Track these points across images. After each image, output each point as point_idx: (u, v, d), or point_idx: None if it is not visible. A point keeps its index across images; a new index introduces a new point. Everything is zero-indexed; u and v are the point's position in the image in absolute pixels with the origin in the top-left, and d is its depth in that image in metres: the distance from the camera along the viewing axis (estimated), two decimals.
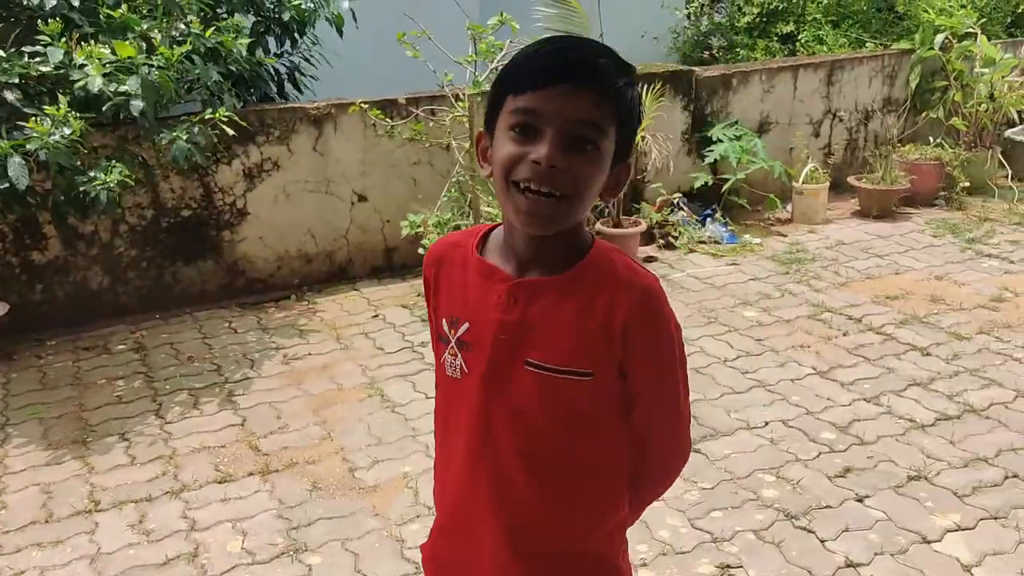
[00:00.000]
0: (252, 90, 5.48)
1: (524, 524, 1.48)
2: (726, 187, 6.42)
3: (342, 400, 4.18)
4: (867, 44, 7.84)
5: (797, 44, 8.07)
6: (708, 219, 6.41)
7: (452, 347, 1.46)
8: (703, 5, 9.03)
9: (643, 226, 5.98)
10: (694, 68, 6.86)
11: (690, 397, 1.56)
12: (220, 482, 3.54)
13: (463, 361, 1.45)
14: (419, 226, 5.23)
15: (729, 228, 6.37)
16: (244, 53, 4.73)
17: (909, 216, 6.81)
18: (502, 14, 4.84)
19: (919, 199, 6.99)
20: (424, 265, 1.56)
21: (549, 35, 1.42)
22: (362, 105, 5.21)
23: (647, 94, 5.86)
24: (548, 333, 1.40)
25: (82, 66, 3.99)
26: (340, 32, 5.64)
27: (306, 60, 5.90)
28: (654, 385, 1.49)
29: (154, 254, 5.14)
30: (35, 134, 3.81)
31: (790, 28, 8.22)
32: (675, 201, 6.32)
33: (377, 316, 5.15)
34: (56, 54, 3.99)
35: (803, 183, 6.65)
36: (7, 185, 3.75)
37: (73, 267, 4.96)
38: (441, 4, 5.69)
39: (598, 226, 5.91)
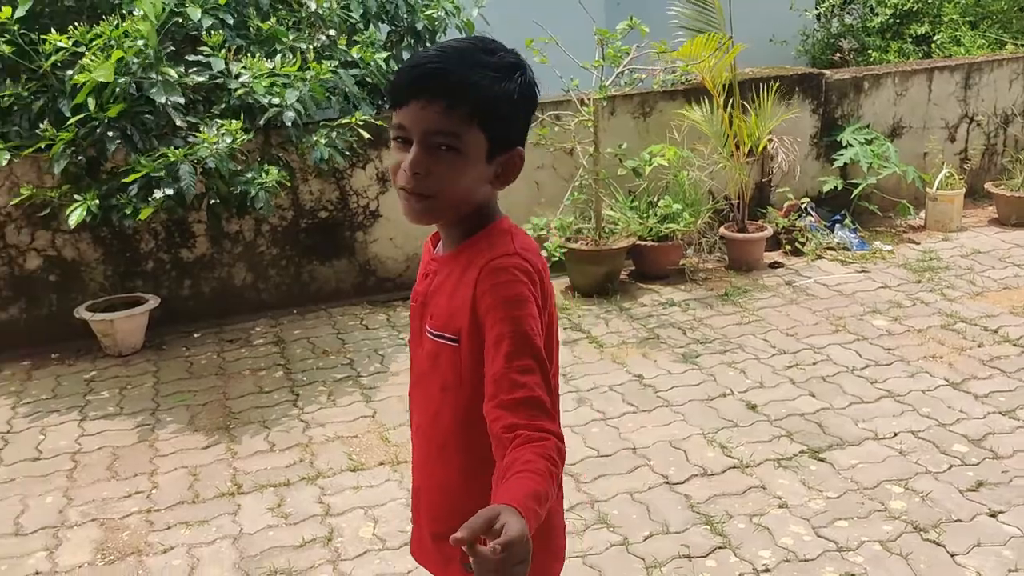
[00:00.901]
0: (385, 99, 5.68)
1: (424, 485, 1.72)
2: (856, 192, 6.28)
3: None
4: (1008, 45, 7.51)
5: (932, 46, 7.80)
6: (837, 225, 6.28)
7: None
8: (833, 6, 8.83)
9: (769, 231, 5.92)
10: (824, 71, 6.73)
11: (559, 371, 1.64)
12: (353, 470, 3.71)
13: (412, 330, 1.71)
14: (542, 229, 5.32)
15: (859, 234, 6.23)
16: (381, 65, 4.92)
17: None
18: (631, 19, 4.89)
19: None
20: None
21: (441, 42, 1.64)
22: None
23: (772, 96, 5.79)
24: (439, 300, 1.57)
25: (238, 76, 4.25)
26: None
27: None
28: (499, 335, 1.49)
29: (293, 253, 5.41)
30: (203, 143, 4.07)
31: (925, 29, 7.95)
32: (803, 206, 6.22)
33: None
34: (218, 64, 4.27)
35: (937, 189, 6.44)
36: (176, 190, 4.01)
37: (219, 264, 5.27)
38: (567, 11, 5.77)
39: (722, 231, 5.88)
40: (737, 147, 5.79)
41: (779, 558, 3.03)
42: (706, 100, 5.84)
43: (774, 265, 5.88)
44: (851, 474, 3.51)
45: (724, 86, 5.68)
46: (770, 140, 5.86)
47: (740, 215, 5.88)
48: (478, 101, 1.42)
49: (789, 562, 3.01)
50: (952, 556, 3.01)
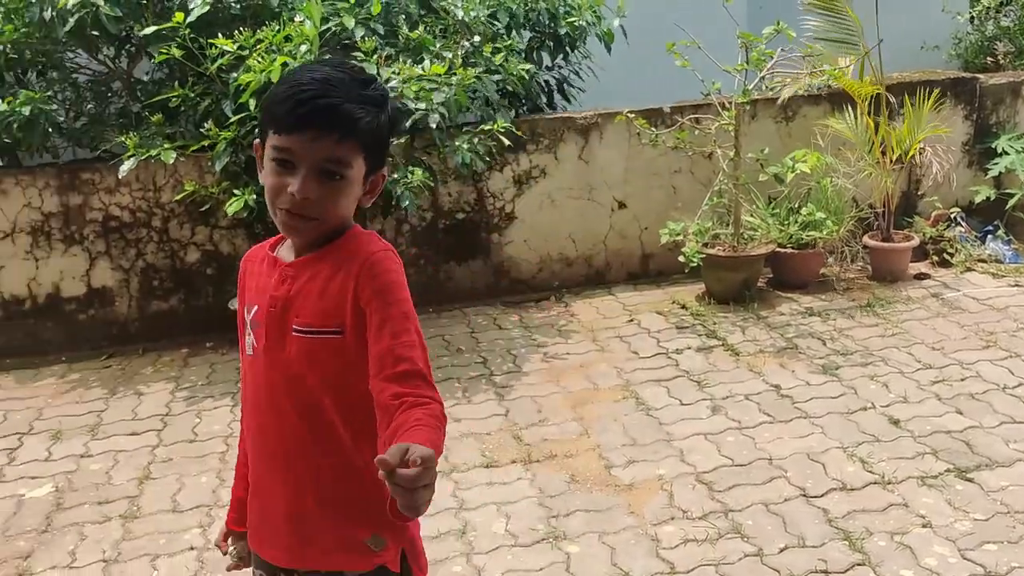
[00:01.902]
0: (524, 101, 5.77)
1: (306, 478, 1.70)
2: (1012, 202, 5.98)
3: (598, 399, 4.33)
4: None
5: None
6: (989, 236, 6.00)
7: (248, 328, 1.74)
8: (989, 8, 8.40)
9: (915, 241, 5.70)
10: (978, 75, 6.43)
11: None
12: (486, 467, 3.79)
13: (253, 339, 1.72)
14: (678, 234, 5.29)
15: (1013, 246, 5.93)
16: (523, 76, 5.02)
17: None
18: (778, 23, 4.81)
19: None
20: (239, 271, 1.84)
21: (309, 67, 1.62)
22: (628, 115, 5.35)
23: (926, 102, 5.58)
24: (307, 301, 1.64)
25: (388, 81, 4.41)
26: (609, 49, 5.81)
27: (575, 73, 6.12)
28: (382, 318, 1.61)
29: (431, 253, 5.56)
30: None
31: None
32: (952, 216, 5.97)
33: (632, 321, 5.26)
34: (370, 68, 4.44)
35: None
36: None
37: None
38: (709, 14, 5.71)
39: (866, 239, 5.70)
40: (883, 154, 5.60)
41: None
42: (850, 106, 5.68)
43: (920, 276, 5.66)
44: (1001, 496, 3.36)
45: (868, 95, 5.51)
46: (921, 149, 5.64)
47: (885, 224, 5.69)
48: (363, 133, 1.56)
49: None
50: None
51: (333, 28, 4.56)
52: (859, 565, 3.01)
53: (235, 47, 4.33)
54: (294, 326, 1.65)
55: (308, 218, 1.60)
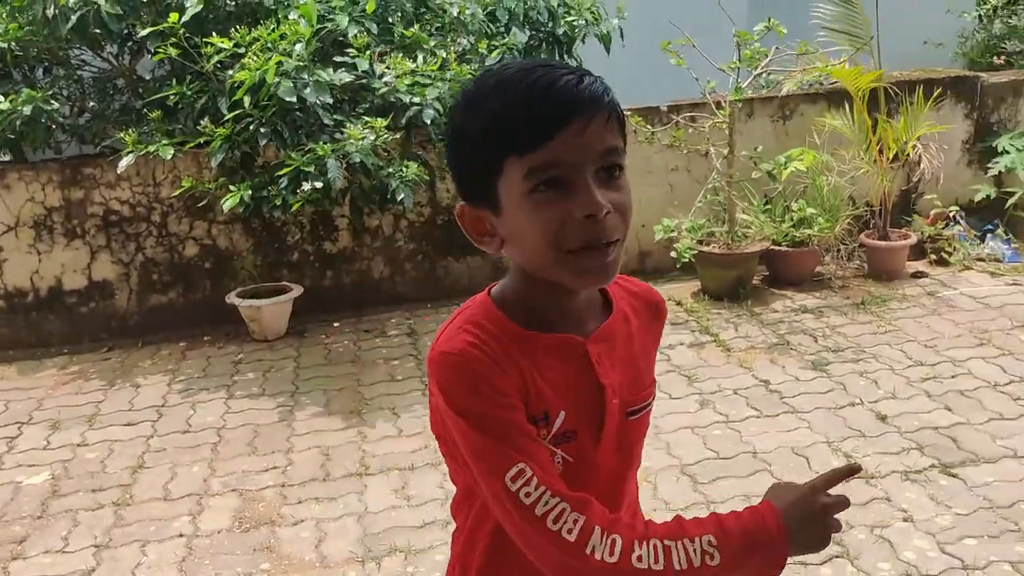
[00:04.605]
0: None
1: None
2: (1011, 201, 5.97)
3: None
4: None
5: None
6: (988, 235, 5.98)
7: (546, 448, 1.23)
8: (996, 8, 8.38)
9: (912, 240, 5.70)
10: (979, 74, 6.42)
11: None
12: None
13: (564, 455, 1.24)
14: (672, 230, 5.32)
15: (1012, 245, 5.91)
16: None
17: None
18: (770, 20, 4.82)
19: None
20: (474, 377, 1.17)
21: (491, 76, 1.17)
22: (626, 113, 5.37)
23: (923, 101, 5.58)
24: (628, 374, 1.30)
25: (381, 76, 4.46)
26: (608, 49, 5.82)
27: None
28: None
29: (429, 248, 5.61)
30: (349, 139, 4.30)
31: None
32: (951, 214, 5.96)
33: None
34: (363, 64, 4.49)
35: None
36: (323, 183, 4.25)
37: (359, 257, 5.52)
38: (707, 11, 5.73)
39: (862, 238, 5.71)
40: (881, 152, 5.60)
41: (899, 571, 2.94)
42: (848, 104, 5.68)
43: (917, 275, 5.66)
44: (984, 492, 3.36)
45: (866, 91, 5.51)
46: (913, 146, 5.64)
47: (882, 222, 5.69)
48: (618, 111, 1.17)
49: None
50: None
51: (328, 27, 4.61)
52: (837, 557, 3.03)
53: (231, 45, 4.38)
54: (627, 409, 1.30)
55: (613, 245, 1.16)
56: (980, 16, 8.45)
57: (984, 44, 8.39)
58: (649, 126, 5.42)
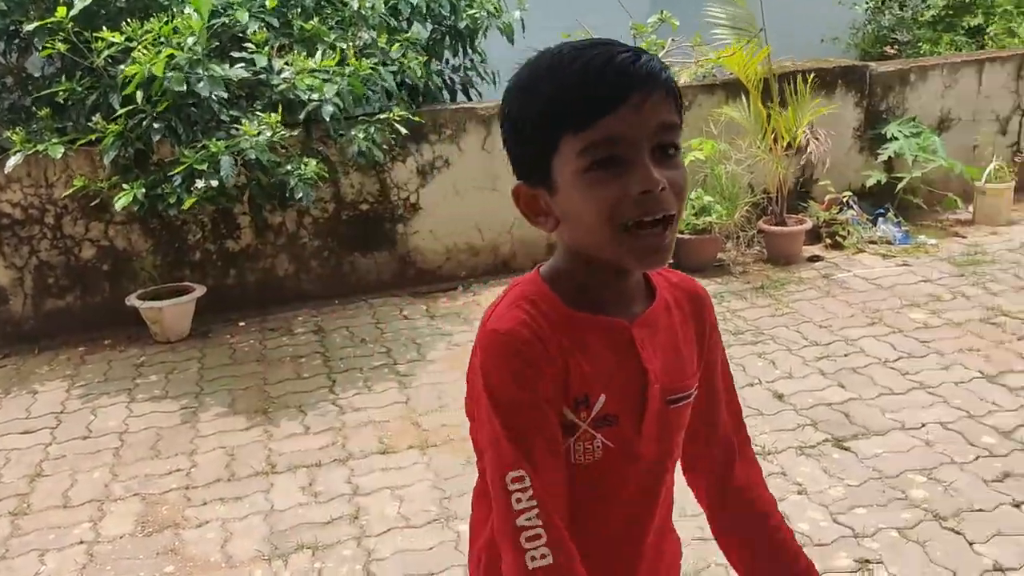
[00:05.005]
0: (425, 98, 5.77)
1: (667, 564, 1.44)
2: (900, 186, 6.22)
3: None
4: None
5: (985, 38, 7.66)
6: (880, 219, 6.22)
7: (584, 431, 1.23)
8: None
9: (808, 225, 5.90)
10: (868, 63, 6.67)
11: None
12: (383, 453, 3.82)
13: (604, 439, 1.24)
14: None
15: (902, 228, 6.16)
16: (419, 70, 5.06)
17: None
18: (662, 12, 4.93)
19: None
20: (522, 363, 1.17)
21: (545, 57, 1.17)
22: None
23: (808, 89, 5.76)
24: (670, 362, 1.29)
25: (280, 72, 4.41)
26: (511, 41, 5.86)
27: (477, 71, 6.14)
28: (733, 391, 1.45)
29: (334, 245, 5.57)
30: (244, 135, 4.23)
31: (978, 21, 7.81)
32: (844, 200, 6.18)
33: None
34: (261, 60, 4.43)
35: (986, 182, 6.33)
36: (218, 181, 4.18)
37: (262, 255, 5.45)
38: (609, 7, 5.82)
39: (760, 224, 5.87)
40: (775, 141, 5.78)
41: None
42: (744, 95, 5.84)
43: (813, 259, 5.85)
44: (874, 463, 3.51)
45: (759, 81, 5.67)
46: (805, 134, 5.83)
47: (779, 208, 5.87)
48: (675, 90, 1.16)
49: (804, 547, 3.00)
50: (970, 544, 3.00)
51: (226, 21, 4.54)
52: None
53: (122, 39, 4.27)
54: (668, 397, 1.29)
55: (669, 220, 1.15)
56: (869, 8, 8.78)
57: (875, 35, 8.73)
58: None
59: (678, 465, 1.40)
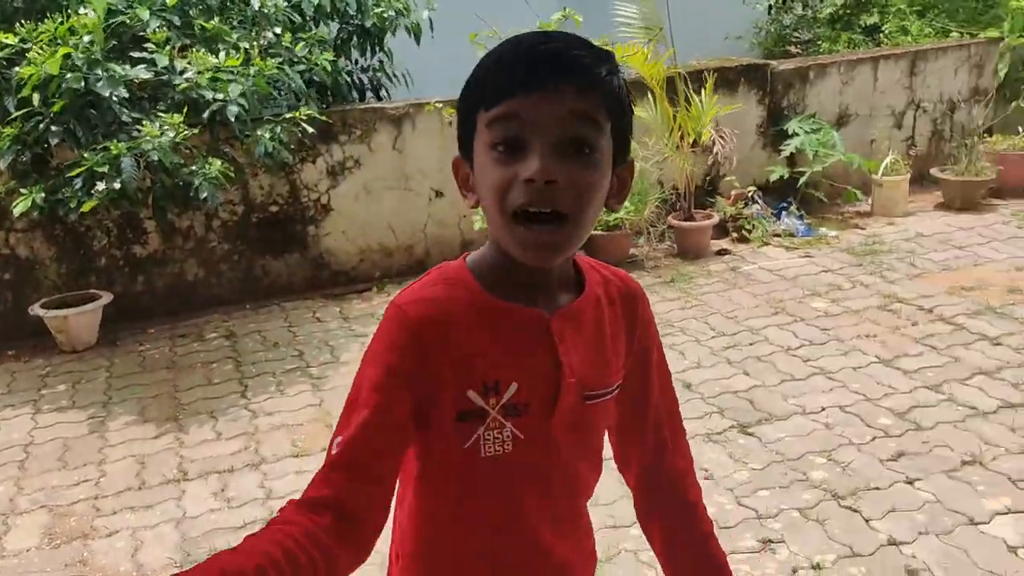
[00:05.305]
0: (334, 98, 5.75)
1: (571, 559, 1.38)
2: (802, 180, 6.43)
3: None
4: (953, 33, 7.69)
5: (881, 35, 7.96)
6: (783, 212, 6.42)
7: (494, 419, 1.20)
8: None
9: (716, 219, 6.05)
10: (769, 62, 6.87)
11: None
12: (296, 456, 3.80)
13: (514, 429, 1.20)
14: None
15: (805, 221, 6.37)
16: (327, 67, 5.03)
17: (995, 208, 6.67)
18: (565, 10, 5.00)
19: (1007, 190, 6.83)
20: (410, 337, 1.16)
21: (513, 37, 1.18)
22: (437, 105, 5.45)
23: (709, 88, 5.92)
24: (592, 358, 1.27)
25: (182, 72, 4.34)
26: (418, 40, 5.87)
27: (385, 73, 6.14)
28: (668, 385, 1.43)
29: (244, 248, 5.50)
30: (146, 137, 4.16)
31: (874, 19, 8.12)
32: (749, 194, 6.36)
33: None
34: (162, 60, 4.35)
35: (883, 175, 6.59)
36: (120, 183, 4.10)
37: (171, 260, 5.35)
38: (515, 5, 5.87)
39: (670, 219, 6.01)
40: (682, 138, 5.91)
41: None
42: (651, 94, 5.96)
43: (721, 252, 6.01)
44: (777, 447, 3.64)
45: (664, 80, 5.80)
46: (710, 132, 5.98)
47: (687, 204, 6.01)
48: (608, 90, 1.13)
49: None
50: (867, 521, 3.13)
51: (125, 19, 4.45)
52: None
53: (16, 40, 4.16)
54: (586, 392, 1.26)
55: (557, 218, 1.11)
56: (771, 8, 9.04)
57: (777, 34, 8.99)
58: None
59: (599, 461, 1.37)
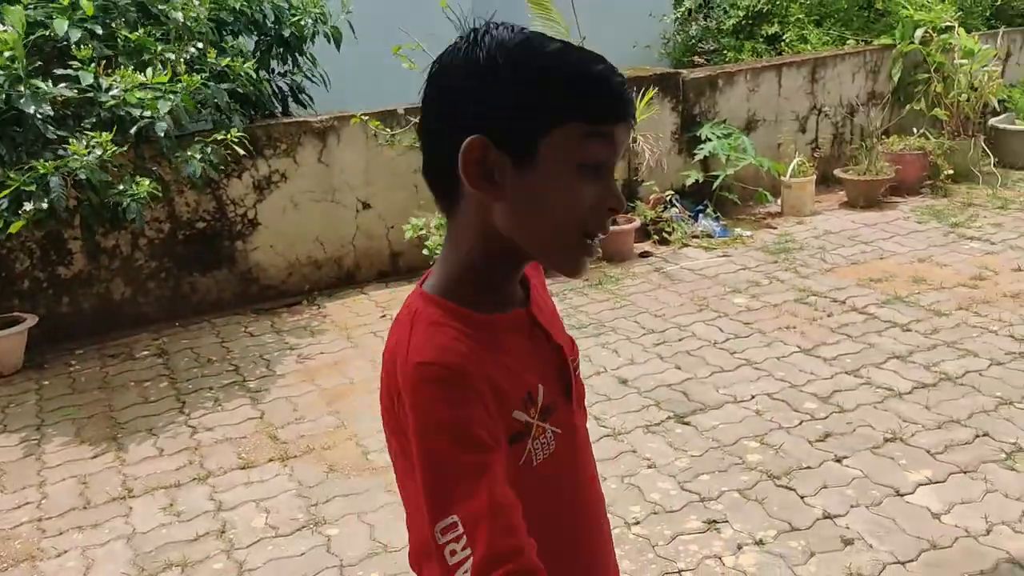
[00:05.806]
0: (256, 109, 5.74)
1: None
2: (716, 184, 6.68)
3: (354, 393, 4.44)
4: (849, 41, 8.10)
5: (782, 44, 8.32)
6: (700, 215, 6.67)
7: (538, 427, 1.20)
8: (691, 10, 9.30)
9: (637, 223, 6.24)
10: (681, 71, 7.13)
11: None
12: (243, 468, 3.80)
13: (552, 428, 1.22)
14: (421, 229, 5.50)
15: (721, 223, 6.62)
16: (251, 75, 5.03)
17: (895, 205, 7.05)
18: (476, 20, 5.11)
19: (905, 188, 7.23)
20: (465, 384, 1.10)
21: (568, 45, 1.13)
22: (362, 117, 5.50)
23: (638, 98, 6.12)
24: (561, 332, 1.32)
25: (108, 89, 4.29)
26: (338, 45, 5.90)
27: (308, 78, 6.17)
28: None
29: (172, 265, 5.44)
30: (73, 155, 4.10)
31: (775, 29, 8.48)
32: (668, 198, 6.58)
33: (385, 316, 5.42)
34: (87, 78, 4.30)
35: (791, 177, 6.90)
36: (47, 203, 4.03)
37: (96, 280, 5.26)
38: (434, 16, 5.96)
39: None
40: None
41: (648, 512, 3.28)
42: None
43: (644, 255, 6.20)
44: (712, 434, 3.81)
45: None
46: (634, 139, 6.18)
47: None
48: None
49: (657, 514, 3.27)
50: (802, 498, 3.32)
51: (46, 34, 4.39)
52: None
53: None
54: (573, 365, 1.32)
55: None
56: (677, 19, 9.35)
57: (684, 44, 9.30)
58: (388, 128, 5.58)
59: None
